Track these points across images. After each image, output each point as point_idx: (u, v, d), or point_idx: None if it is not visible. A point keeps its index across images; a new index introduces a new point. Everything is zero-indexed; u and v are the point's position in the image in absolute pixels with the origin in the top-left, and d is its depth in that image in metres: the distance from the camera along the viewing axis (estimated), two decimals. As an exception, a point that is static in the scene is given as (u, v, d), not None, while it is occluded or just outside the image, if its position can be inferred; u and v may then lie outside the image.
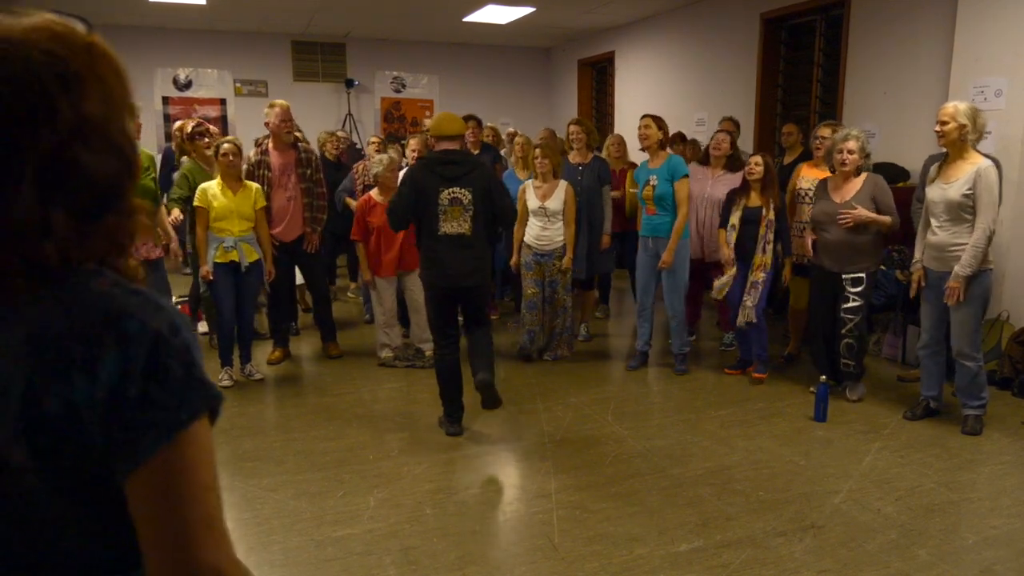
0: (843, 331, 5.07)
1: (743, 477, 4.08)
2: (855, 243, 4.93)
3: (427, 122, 10.36)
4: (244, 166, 5.90)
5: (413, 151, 6.45)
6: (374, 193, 5.95)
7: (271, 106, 5.80)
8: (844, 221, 4.87)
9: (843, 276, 5.01)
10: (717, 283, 5.57)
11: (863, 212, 4.84)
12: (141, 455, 0.90)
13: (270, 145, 5.87)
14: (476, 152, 7.31)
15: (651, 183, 5.59)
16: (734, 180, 6.05)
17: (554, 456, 4.36)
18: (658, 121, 5.64)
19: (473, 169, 4.53)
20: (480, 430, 4.73)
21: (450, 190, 4.43)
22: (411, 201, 4.47)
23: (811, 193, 5.50)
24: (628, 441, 4.59)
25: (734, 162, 6.13)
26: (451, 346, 4.63)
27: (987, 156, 4.84)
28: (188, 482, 0.92)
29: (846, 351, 5.12)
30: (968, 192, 4.39)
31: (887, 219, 4.87)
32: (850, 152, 4.90)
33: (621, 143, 7.38)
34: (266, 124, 5.84)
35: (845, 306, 5.03)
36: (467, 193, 4.45)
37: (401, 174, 6.72)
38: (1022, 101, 5.42)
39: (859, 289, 4.99)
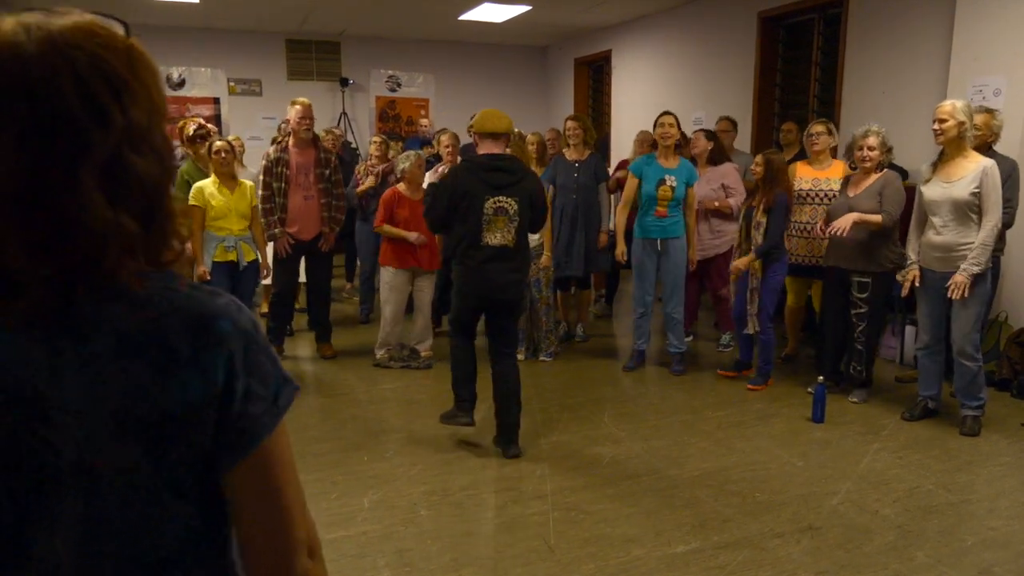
0: (854, 335, 5.08)
1: (740, 478, 4.06)
2: (862, 242, 4.90)
3: (423, 121, 10.36)
4: (262, 161, 5.87)
5: (447, 147, 6.44)
6: (401, 187, 5.93)
7: (292, 104, 5.78)
8: (833, 232, 4.84)
9: (852, 279, 4.99)
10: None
11: (849, 219, 4.79)
12: (249, 446, 0.97)
13: (290, 143, 5.84)
14: None
15: (669, 184, 5.54)
16: (717, 174, 6.14)
17: (550, 457, 4.34)
18: (677, 120, 5.63)
19: (522, 178, 4.25)
20: (475, 431, 4.68)
21: (496, 199, 4.14)
22: (446, 202, 4.19)
23: (811, 194, 5.51)
24: (625, 442, 4.56)
25: (715, 156, 6.20)
26: (469, 339, 4.44)
27: (1006, 157, 4.82)
28: (284, 467, 1.01)
29: (856, 356, 5.13)
30: (976, 191, 4.36)
31: (876, 218, 4.80)
32: (871, 148, 4.85)
33: (649, 140, 7.09)
34: (286, 121, 5.82)
35: (854, 312, 5.04)
36: (513, 203, 4.16)
37: (433, 173, 6.68)
38: (1021, 100, 5.40)
39: (866, 295, 4.98)
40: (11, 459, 0.93)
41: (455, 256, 4.32)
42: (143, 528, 0.97)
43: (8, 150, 0.86)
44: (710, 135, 6.29)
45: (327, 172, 5.89)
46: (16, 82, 0.86)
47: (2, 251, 0.88)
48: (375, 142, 7.45)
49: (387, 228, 5.84)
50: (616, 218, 6.02)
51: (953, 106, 4.40)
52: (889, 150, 4.95)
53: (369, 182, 7.04)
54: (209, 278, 5.29)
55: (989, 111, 4.91)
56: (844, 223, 4.77)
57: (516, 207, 4.17)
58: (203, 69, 11.37)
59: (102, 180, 0.89)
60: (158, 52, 10.99)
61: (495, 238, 4.17)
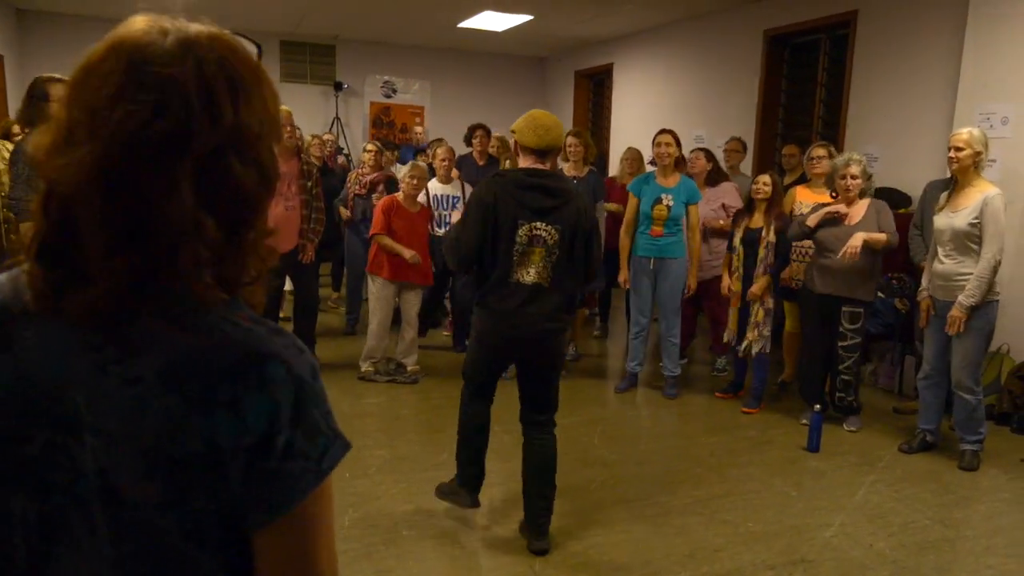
0: (841, 368, 4.98)
1: (732, 507, 3.96)
2: (858, 268, 4.81)
3: (418, 129, 10.24)
4: None
5: (443, 161, 6.27)
6: (399, 196, 5.84)
7: None
8: (849, 253, 4.71)
9: (843, 308, 4.90)
10: (727, 335, 5.52)
11: (859, 239, 4.70)
12: (281, 507, 0.88)
13: None
14: (482, 164, 7.06)
15: (665, 203, 5.43)
16: (716, 194, 6.02)
17: (538, 479, 4.21)
18: (676, 137, 5.51)
19: (568, 201, 3.35)
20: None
21: (532, 225, 3.28)
22: (481, 228, 3.31)
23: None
24: (615, 466, 4.45)
25: (713, 176, 6.10)
26: (485, 402, 3.62)
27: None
28: (319, 535, 0.92)
29: (843, 387, 5.04)
30: (975, 221, 4.31)
31: (883, 236, 4.75)
32: (853, 177, 4.84)
33: (637, 159, 7.06)
34: None
35: (843, 344, 4.94)
36: (554, 232, 3.30)
37: (430, 186, 6.41)
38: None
39: (856, 326, 4.90)
40: (40, 476, 0.89)
41: (476, 297, 3.51)
42: (166, 574, 0.90)
43: (113, 122, 0.84)
44: (709, 155, 6.20)
45: (309, 184, 5.73)
46: (146, 68, 0.86)
47: (84, 232, 0.85)
48: (370, 151, 7.23)
49: (386, 241, 5.68)
50: (620, 241, 5.78)
51: (970, 134, 4.37)
52: (869, 178, 4.96)
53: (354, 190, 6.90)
54: None
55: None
56: (855, 244, 4.69)
57: (557, 238, 3.31)
58: (197, 68, 11.22)
59: (196, 175, 0.86)
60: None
61: (527, 275, 3.32)
